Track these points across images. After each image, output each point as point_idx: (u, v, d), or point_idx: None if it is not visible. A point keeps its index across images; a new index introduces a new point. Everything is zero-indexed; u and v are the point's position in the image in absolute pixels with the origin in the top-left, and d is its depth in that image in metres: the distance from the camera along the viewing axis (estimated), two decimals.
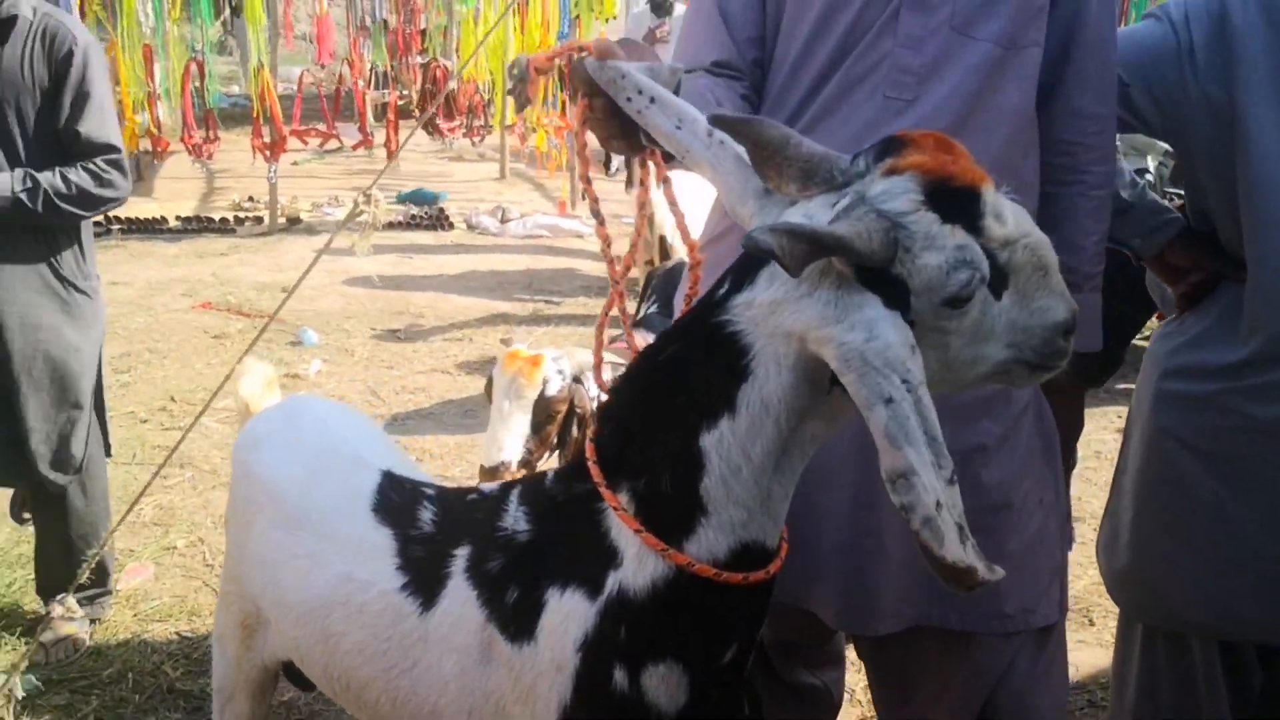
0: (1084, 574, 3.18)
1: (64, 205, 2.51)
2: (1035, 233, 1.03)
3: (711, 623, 1.10)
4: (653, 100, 1.17)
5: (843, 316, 0.95)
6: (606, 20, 8.33)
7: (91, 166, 2.57)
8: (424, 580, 1.28)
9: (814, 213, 1.01)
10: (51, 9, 2.64)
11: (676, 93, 1.22)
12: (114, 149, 2.64)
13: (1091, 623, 2.99)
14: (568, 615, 1.15)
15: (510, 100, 8.56)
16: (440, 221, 8.22)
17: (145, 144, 8.34)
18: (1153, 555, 1.79)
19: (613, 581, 1.12)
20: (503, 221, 8.21)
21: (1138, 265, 1.96)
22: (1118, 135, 1.66)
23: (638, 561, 1.10)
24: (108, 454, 2.91)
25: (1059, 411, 1.64)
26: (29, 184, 2.46)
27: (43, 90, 2.54)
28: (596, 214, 1.33)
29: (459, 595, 1.24)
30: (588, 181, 1.32)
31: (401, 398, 4.72)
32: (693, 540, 1.07)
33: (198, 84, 8.04)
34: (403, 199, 8.85)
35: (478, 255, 7.44)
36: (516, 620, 1.18)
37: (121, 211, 7.91)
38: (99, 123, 2.61)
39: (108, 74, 2.67)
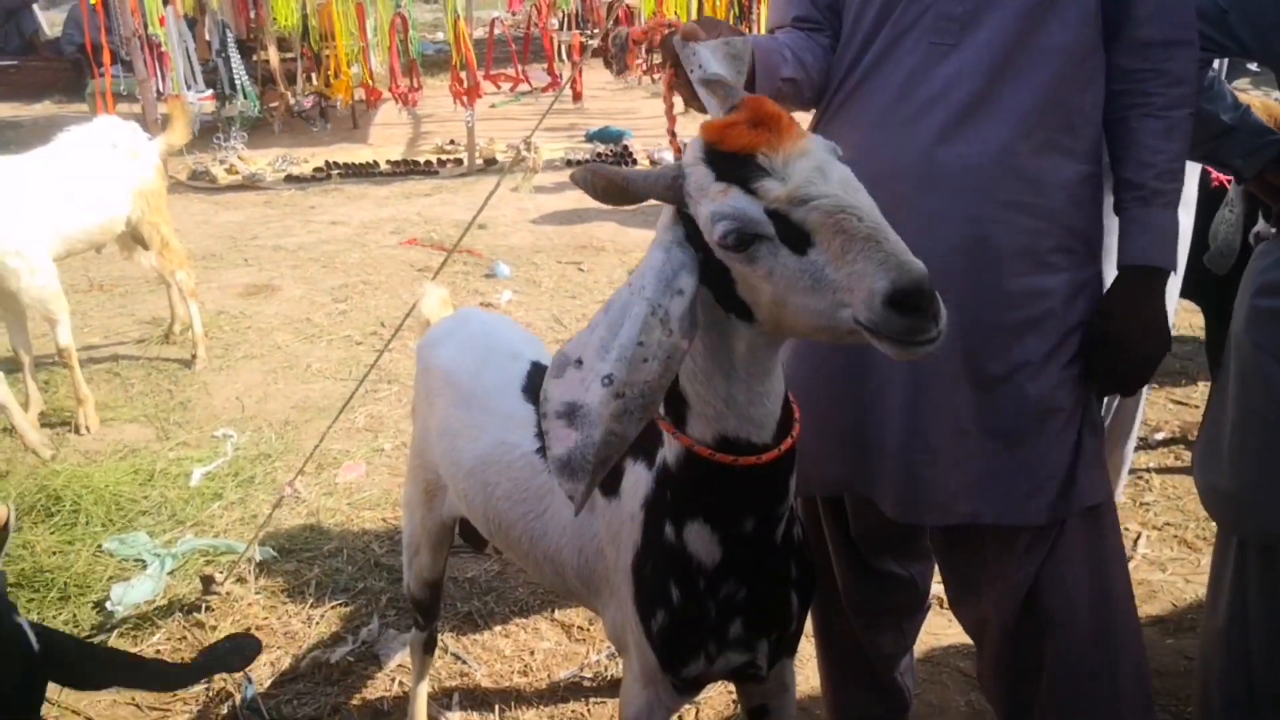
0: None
1: None
2: (836, 197, 1.06)
3: (723, 493, 1.33)
4: (702, 69, 1.36)
5: (661, 238, 1.19)
6: None
7: None
8: None
9: None
10: None
11: (751, 58, 1.43)
12: None
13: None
14: (637, 479, 1.46)
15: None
16: (624, 158, 8.53)
17: (359, 94, 9.08)
18: (1247, 469, 1.84)
19: (660, 456, 1.40)
20: None
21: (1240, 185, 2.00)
22: (1216, 60, 1.70)
23: (668, 441, 1.36)
24: None
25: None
26: None
27: None
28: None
29: None
30: (673, 135, 1.56)
31: (583, 325, 5.08)
32: (689, 427, 1.30)
33: (403, 35, 8.64)
34: (590, 137, 9.22)
35: None
36: (609, 480, 1.50)
37: (339, 158, 8.71)
38: None
39: None
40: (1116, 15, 1.55)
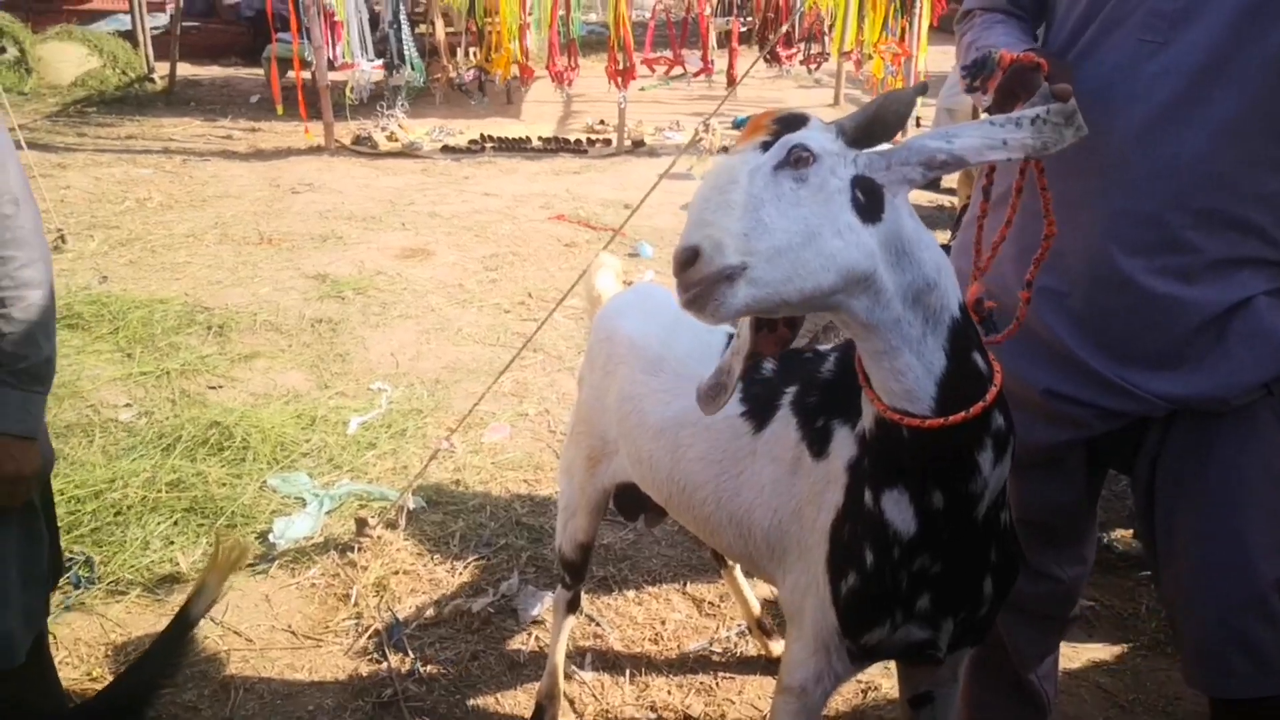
0: None
1: None
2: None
3: (905, 459, 1.36)
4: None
5: None
6: None
7: None
8: (760, 409, 1.69)
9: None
10: None
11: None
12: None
13: None
14: (843, 442, 1.52)
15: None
16: None
17: (514, 70, 9.31)
18: None
19: (863, 420, 1.43)
20: None
21: None
22: None
23: (865, 405, 1.40)
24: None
25: None
26: None
27: None
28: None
29: (784, 421, 1.64)
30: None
31: None
32: (873, 394, 1.36)
33: (564, 14, 8.81)
34: (739, 124, 9.21)
35: None
36: (819, 442, 1.56)
37: (494, 131, 8.95)
38: None
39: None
40: None
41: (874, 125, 1.29)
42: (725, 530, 1.76)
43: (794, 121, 1.28)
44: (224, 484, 3.33)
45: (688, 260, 1.18)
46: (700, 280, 1.18)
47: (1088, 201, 1.56)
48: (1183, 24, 1.48)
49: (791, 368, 1.71)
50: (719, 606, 2.82)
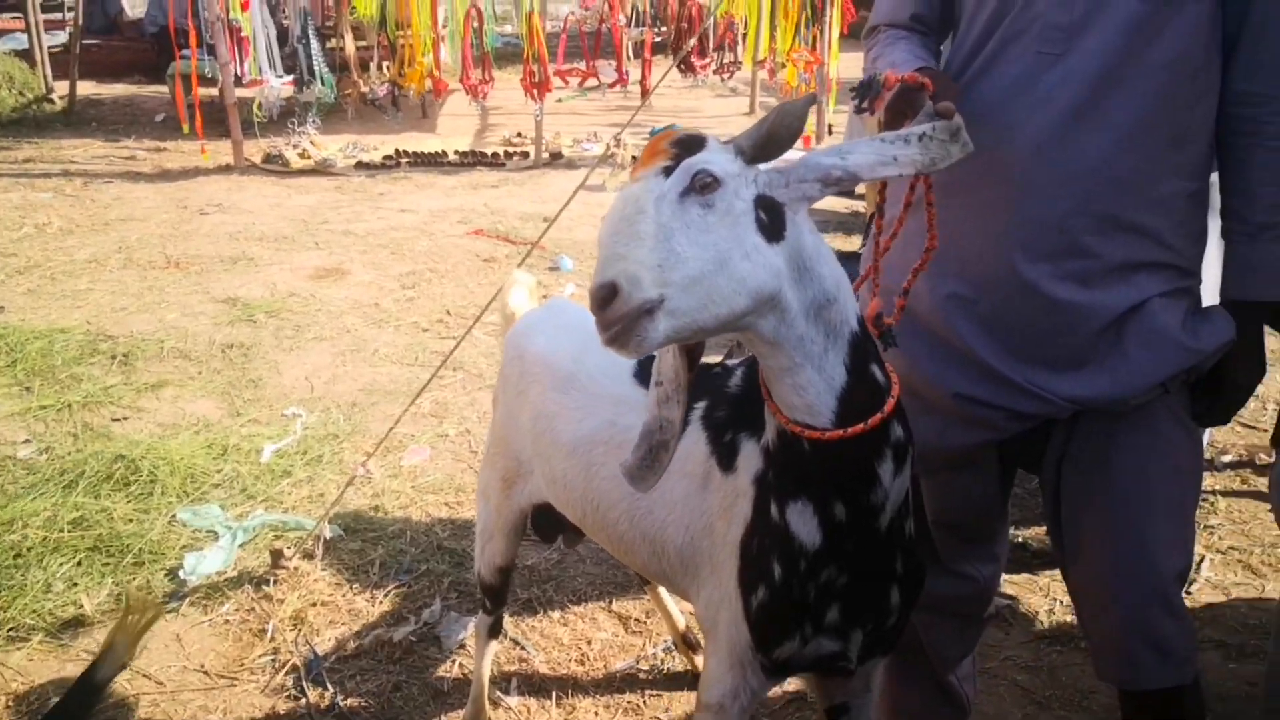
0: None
1: None
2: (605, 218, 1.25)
3: (806, 470, 1.38)
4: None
5: None
6: None
7: None
8: None
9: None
10: None
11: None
12: None
13: None
14: (750, 455, 1.52)
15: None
16: None
17: (428, 84, 9.22)
18: None
19: (766, 433, 1.44)
20: None
21: None
22: None
23: (768, 417, 1.41)
24: None
25: None
26: None
27: None
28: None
29: (694, 436, 1.63)
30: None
31: None
32: (775, 407, 1.38)
33: (477, 26, 8.75)
34: (655, 134, 9.23)
35: None
36: (728, 456, 1.56)
37: (409, 146, 8.85)
38: None
39: None
40: (1234, 29, 1.53)
41: (769, 142, 1.30)
42: (639, 549, 1.75)
43: (692, 144, 1.28)
44: (130, 520, 3.21)
45: (606, 298, 1.16)
46: (621, 317, 1.16)
47: (994, 210, 1.59)
48: (1079, 35, 1.52)
49: (700, 383, 1.70)
50: (645, 623, 2.81)
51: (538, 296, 2.49)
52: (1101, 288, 1.57)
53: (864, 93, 1.48)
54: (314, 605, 2.86)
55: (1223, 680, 2.52)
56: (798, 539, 1.41)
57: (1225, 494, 3.45)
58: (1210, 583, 2.97)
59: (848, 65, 10.62)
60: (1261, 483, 3.51)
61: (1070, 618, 2.78)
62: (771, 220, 1.26)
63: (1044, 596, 2.91)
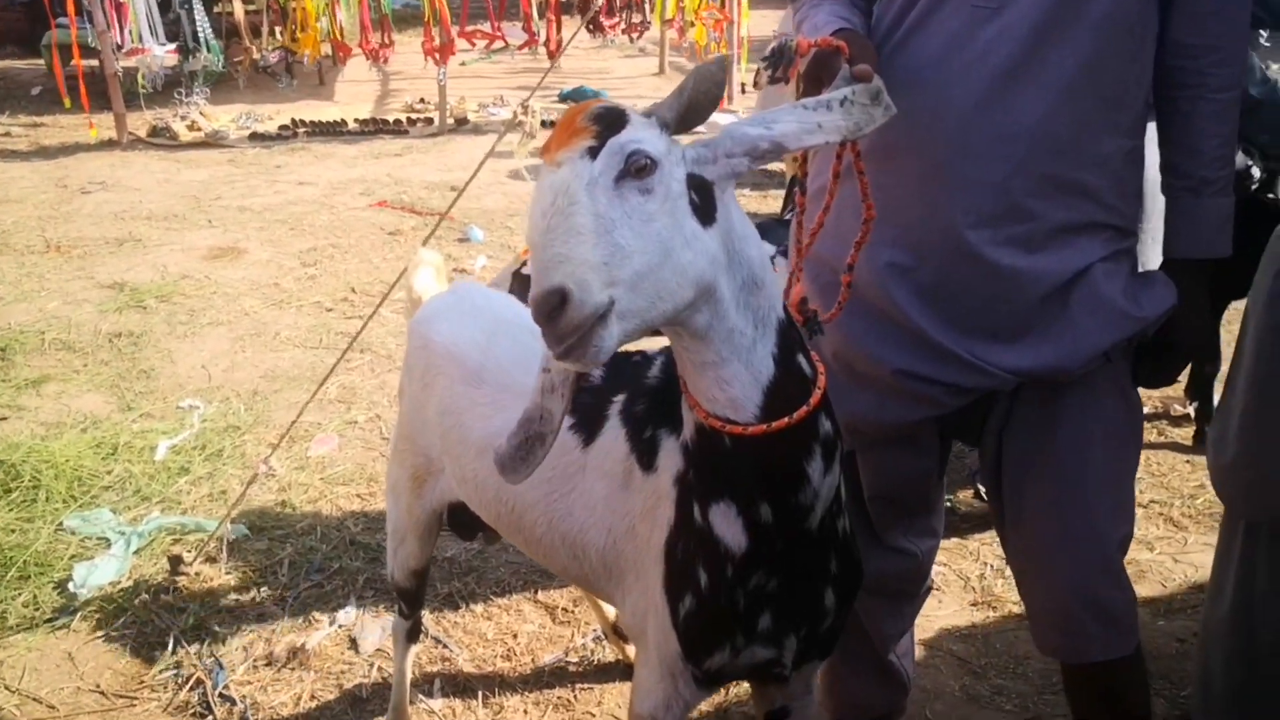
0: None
1: None
2: (531, 210, 1.11)
3: (728, 469, 1.27)
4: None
5: None
6: None
7: None
8: (588, 421, 1.56)
9: None
10: None
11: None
12: None
13: None
14: (670, 453, 1.40)
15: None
16: None
17: (326, 49, 8.83)
18: (1259, 449, 1.81)
19: (684, 429, 1.33)
20: None
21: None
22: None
23: (685, 410, 1.30)
24: None
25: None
26: None
27: None
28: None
29: (613, 432, 1.51)
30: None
31: None
32: (694, 400, 1.27)
33: None
34: (564, 96, 9.03)
35: None
36: (648, 454, 1.44)
37: (306, 115, 8.48)
38: None
39: None
40: None
41: (690, 111, 1.18)
42: (559, 552, 1.63)
43: (614, 119, 1.13)
44: (13, 530, 2.98)
45: (554, 306, 1.02)
46: (575, 328, 1.03)
47: (931, 174, 1.51)
48: None
49: (619, 373, 1.58)
50: (573, 613, 2.70)
51: (446, 274, 2.33)
52: (1044, 253, 1.51)
53: (776, 61, 1.39)
54: (218, 613, 2.68)
55: (1153, 638, 2.52)
56: (723, 543, 1.31)
57: (1144, 447, 3.47)
58: (1134, 538, 2.97)
59: (759, 23, 10.53)
60: (1177, 434, 3.56)
61: (1001, 582, 2.76)
62: (703, 201, 1.15)
63: (974, 561, 2.88)
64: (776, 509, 1.28)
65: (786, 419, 1.23)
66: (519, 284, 3.53)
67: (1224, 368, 3.63)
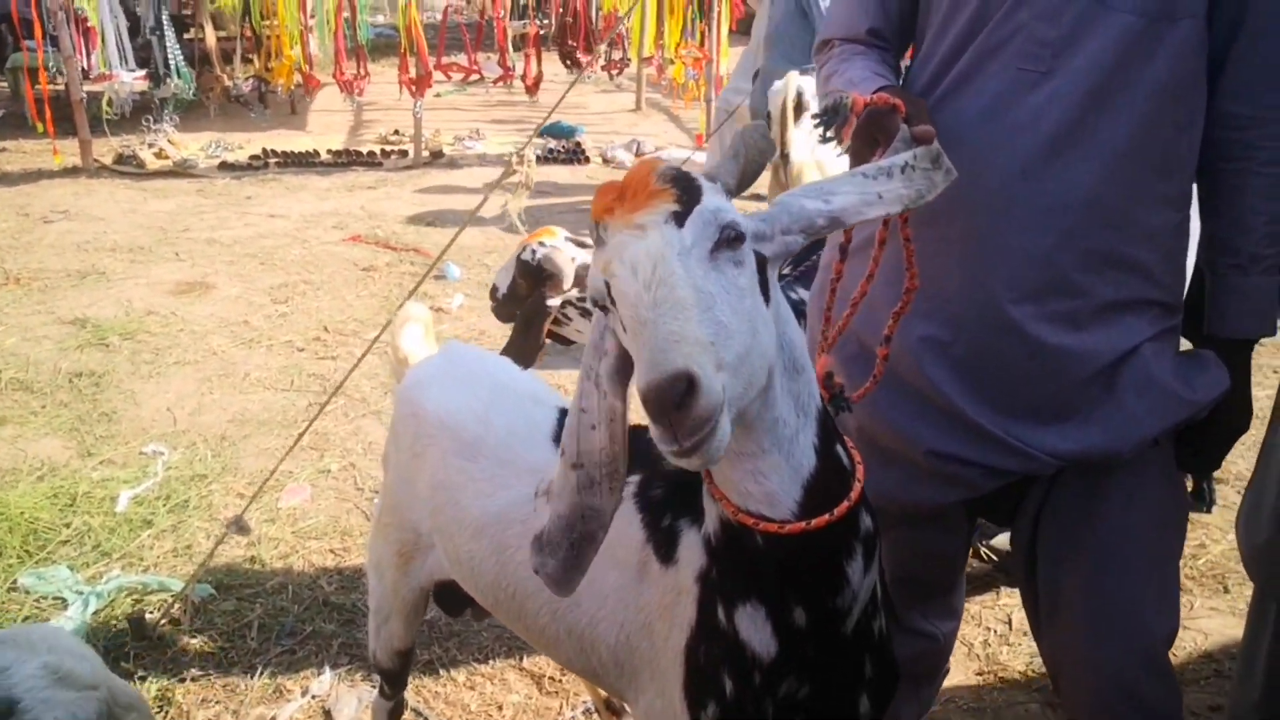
0: (1222, 539, 3.08)
1: None
2: (623, 279, 0.98)
3: (759, 570, 1.16)
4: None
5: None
6: None
7: None
8: None
9: None
10: None
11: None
12: None
13: (1226, 590, 2.90)
14: (692, 546, 1.28)
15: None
16: (576, 155, 8.30)
17: (298, 79, 8.69)
18: None
19: (706, 522, 1.22)
20: (637, 155, 8.23)
21: None
22: None
23: (708, 502, 1.19)
24: None
25: None
26: None
27: None
28: None
29: (627, 517, 1.36)
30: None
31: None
32: (719, 492, 1.16)
33: (349, 16, 8.28)
34: (541, 132, 8.95)
35: None
36: (666, 545, 1.32)
37: (277, 145, 8.31)
38: None
39: None
40: (1221, 51, 1.39)
41: (744, 179, 1.09)
42: (564, 644, 1.50)
43: (690, 183, 1.03)
44: None
45: (683, 392, 0.88)
46: (708, 418, 0.90)
47: (970, 242, 1.42)
48: (1066, 52, 1.37)
49: (634, 449, 1.46)
50: (561, 682, 2.56)
51: (432, 334, 2.21)
52: (1091, 330, 1.42)
53: (830, 119, 1.29)
54: (183, 683, 2.51)
55: None
56: (750, 648, 1.19)
57: None
58: None
59: (737, 62, 10.54)
60: None
61: (1006, 649, 2.65)
62: (762, 279, 1.05)
63: (976, 625, 2.78)
64: (811, 613, 1.17)
65: (828, 515, 1.12)
66: (522, 271, 3.42)
67: None
